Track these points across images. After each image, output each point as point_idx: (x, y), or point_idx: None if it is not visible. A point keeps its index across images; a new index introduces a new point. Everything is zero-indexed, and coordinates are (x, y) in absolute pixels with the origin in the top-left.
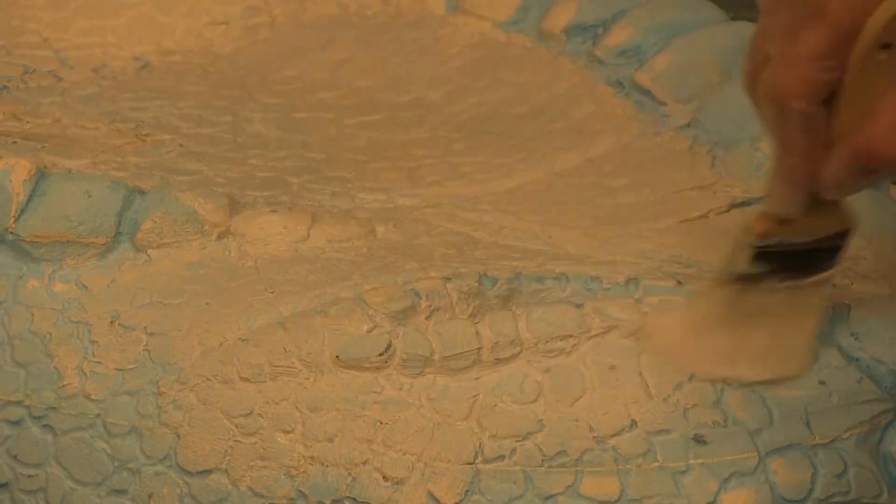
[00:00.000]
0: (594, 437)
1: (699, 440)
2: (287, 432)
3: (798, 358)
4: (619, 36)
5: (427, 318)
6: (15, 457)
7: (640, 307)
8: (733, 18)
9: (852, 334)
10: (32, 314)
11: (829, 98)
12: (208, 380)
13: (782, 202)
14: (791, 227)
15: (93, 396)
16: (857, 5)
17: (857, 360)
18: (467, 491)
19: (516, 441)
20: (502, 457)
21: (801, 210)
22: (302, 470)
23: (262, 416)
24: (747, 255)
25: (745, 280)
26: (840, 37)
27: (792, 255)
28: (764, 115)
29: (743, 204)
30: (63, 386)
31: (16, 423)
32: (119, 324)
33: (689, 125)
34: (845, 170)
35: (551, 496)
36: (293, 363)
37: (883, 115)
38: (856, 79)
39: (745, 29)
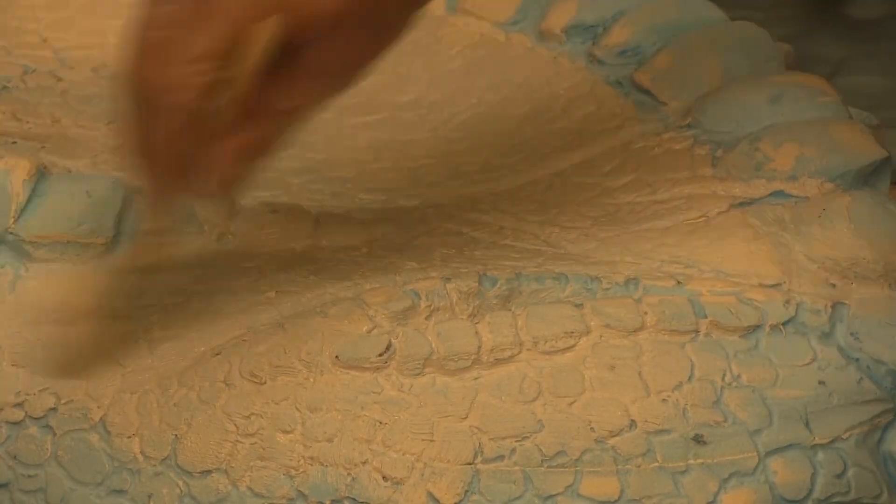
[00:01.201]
0: (594, 437)
1: (699, 440)
2: (287, 432)
3: None
4: (619, 36)
5: (427, 318)
6: (14, 457)
7: (640, 307)
8: (733, 18)
9: (852, 334)
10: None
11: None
12: (208, 380)
13: (161, 215)
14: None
15: (93, 396)
16: (249, 10)
17: (857, 360)
18: (467, 491)
19: (516, 441)
20: (502, 457)
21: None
22: (302, 470)
23: (261, 416)
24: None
25: None
26: (228, 40)
27: None
28: (134, 112)
29: (743, 204)
30: (62, 386)
31: (15, 424)
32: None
33: (688, 125)
34: (231, 161)
35: (551, 496)
36: (293, 363)
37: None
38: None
39: (746, 29)
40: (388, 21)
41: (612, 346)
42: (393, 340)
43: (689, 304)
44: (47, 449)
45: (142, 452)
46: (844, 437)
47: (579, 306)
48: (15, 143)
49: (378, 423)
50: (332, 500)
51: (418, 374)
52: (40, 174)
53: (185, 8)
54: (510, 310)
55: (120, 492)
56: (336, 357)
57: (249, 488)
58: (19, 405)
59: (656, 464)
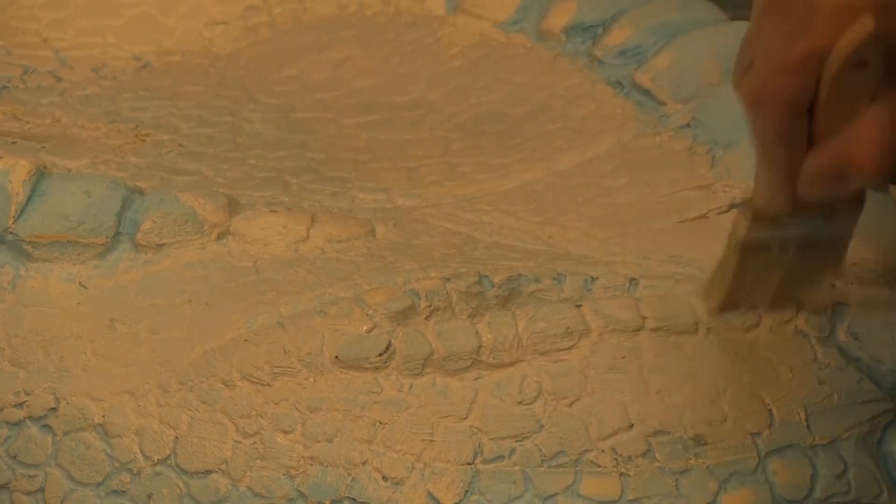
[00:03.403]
0: (594, 437)
1: (699, 440)
2: (287, 432)
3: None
4: (619, 36)
5: (427, 318)
6: (14, 457)
7: (640, 307)
8: (733, 18)
9: (852, 334)
10: (32, 314)
11: (807, 108)
12: (208, 380)
13: (767, 199)
14: (779, 223)
15: (93, 396)
16: (843, 25)
17: (857, 360)
18: (467, 491)
19: (516, 441)
20: (502, 457)
21: (786, 207)
22: (301, 470)
23: (261, 417)
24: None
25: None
26: (819, 54)
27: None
28: (747, 118)
29: (743, 204)
30: (62, 386)
31: (15, 424)
32: (119, 324)
33: (688, 125)
34: (819, 173)
35: (551, 496)
36: (293, 363)
37: (864, 128)
38: (831, 93)
39: (745, 29)
40: None
41: (612, 346)
42: (393, 340)
43: (689, 304)
44: (47, 449)
45: (142, 452)
46: (844, 437)
47: (579, 306)
48: (15, 143)
49: (378, 424)
50: (332, 501)
51: (418, 375)
52: (40, 174)
53: (781, 25)
54: (510, 310)
55: (120, 492)
56: (336, 357)
57: (249, 488)
58: (19, 405)
59: (656, 464)
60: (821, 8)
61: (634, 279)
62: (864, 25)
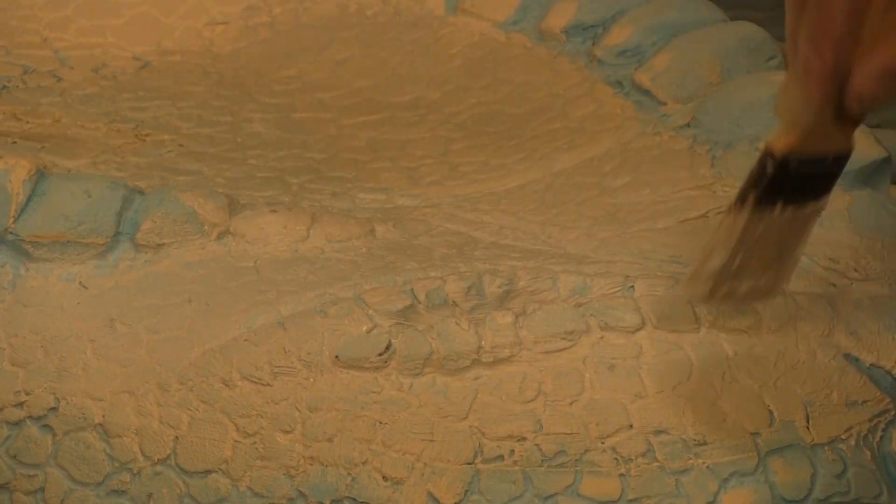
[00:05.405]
0: (594, 437)
1: (699, 440)
2: (287, 432)
3: (785, 280)
4: (619, 36)
5: (427, 318)
6: (14, 457)
7: (640, 307)
8: (733, 18)
9: (852, 334)
10: (32, 314)
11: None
12: (208, 380)
13: (799, 102)
14: (805, 144)
15: (93, 396)
16: None
17: (857, 360)
18: (467, 491)
19: (516, 441)
20: (501, 457)
21: (814, 116)
22: (301, 470)
23: (261, 417)
24: (766, 179)
25: (758, 207)
26: None
27: (799, 181)
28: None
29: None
30: (62, 386)
31: (15, 424)
32: (119, 324)
33: (688, 125)
34: (874, 79)
35: (551, 496)
36: (293, 363)
37: None
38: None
39: (746, 29)
40: None
41: (611, 345)
42: (393, 340)
43: (689, 304)
44: (47, 449)
45: (142, 452)
46: (844, 436)
47: (579, 306)
48: (15, 143)
49: (378, 423)
50: (332, 500)
51: (418, 374)
52: (40, 174)
53: None
54: (510, 310)
55: (120, 492)
56: (336, 357)
57: (249, 488)
58: (19, 405)
59: (656, 464)
60: None
61: (634, 279)
62: None
